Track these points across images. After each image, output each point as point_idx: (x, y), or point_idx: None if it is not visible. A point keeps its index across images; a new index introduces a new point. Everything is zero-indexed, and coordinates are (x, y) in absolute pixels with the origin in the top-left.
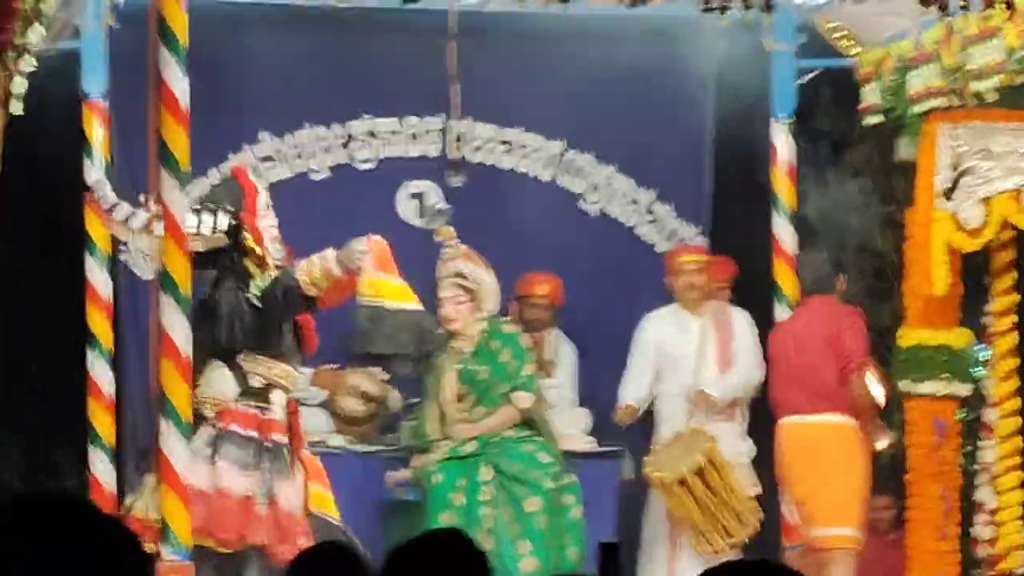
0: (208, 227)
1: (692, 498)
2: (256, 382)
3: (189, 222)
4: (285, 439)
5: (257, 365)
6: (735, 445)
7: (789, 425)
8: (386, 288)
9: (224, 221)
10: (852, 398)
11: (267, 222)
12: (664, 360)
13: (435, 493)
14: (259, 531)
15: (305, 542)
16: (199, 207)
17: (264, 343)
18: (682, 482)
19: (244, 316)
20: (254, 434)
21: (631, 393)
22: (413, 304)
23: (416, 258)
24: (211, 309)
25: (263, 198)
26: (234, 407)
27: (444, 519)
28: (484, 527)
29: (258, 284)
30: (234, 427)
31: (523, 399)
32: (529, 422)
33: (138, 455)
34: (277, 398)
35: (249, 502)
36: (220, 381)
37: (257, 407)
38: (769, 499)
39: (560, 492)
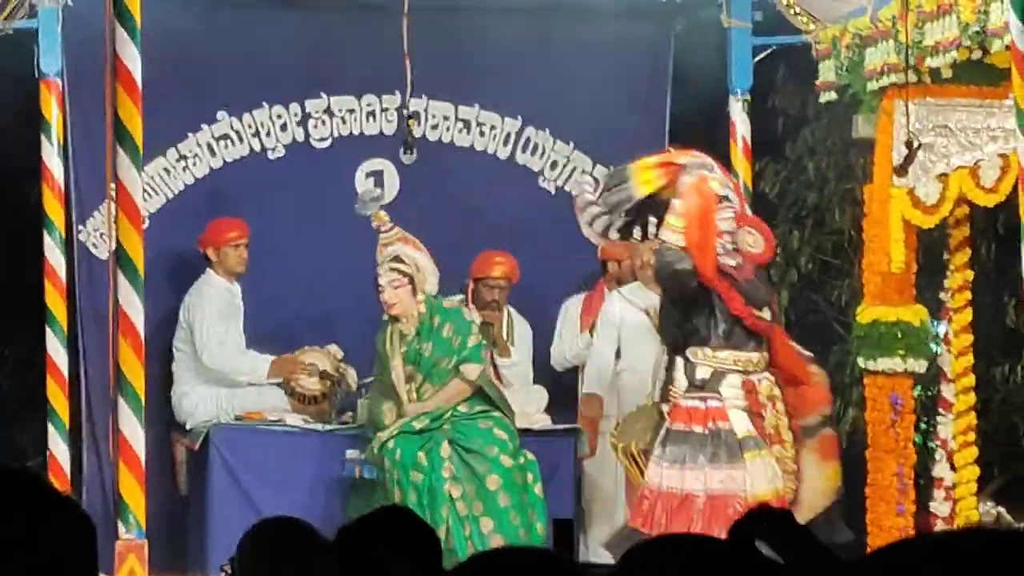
0: (644, 234)
1: None
2: (703, 372)
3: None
4: (730, 425)
5: (704, 356)
6: None
7: None
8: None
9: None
10: None
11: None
12: (628, 338)
13: (396, 469)
14: (698, 523)
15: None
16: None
17: (697, 335)
18: (647, 452)
19: (672, 315)
20: (696, 428)
21: (596, 383)
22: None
23: (371, 236)
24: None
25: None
26: (680, 403)
27: (407, 496)
28: (447, 504)
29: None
30: (678, 425)
31: (471, 370)
32: (483, 396)
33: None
34: (730, 382)
35: (689, 498)
36: (678, 377)
37: (700, 398)
38: None
39: (521, 470)
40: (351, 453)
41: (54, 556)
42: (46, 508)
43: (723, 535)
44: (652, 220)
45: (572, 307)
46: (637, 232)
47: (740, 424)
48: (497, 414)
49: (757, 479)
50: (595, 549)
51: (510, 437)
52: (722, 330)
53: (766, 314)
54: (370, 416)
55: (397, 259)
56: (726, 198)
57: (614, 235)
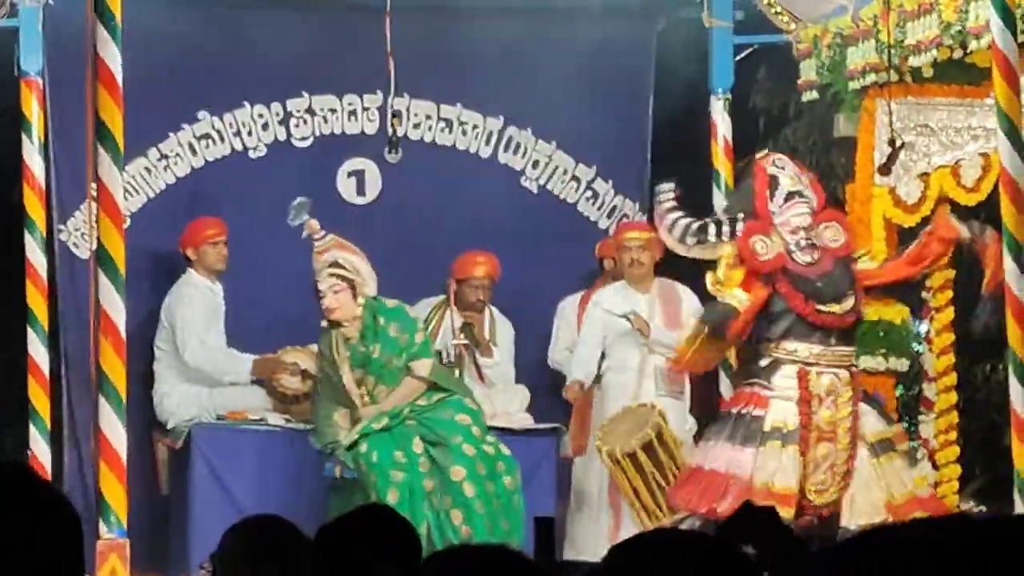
0: (718, 236)
1: (640, 473)
2: (764, 362)
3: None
4: (763, 412)
5: (765, 349)
6: (680, 422)
7: None
8: None
9: (731, 229)
10: None
11: (787, 215)
12: (613, 337)
13: (375, 472)
14: (695, 495)
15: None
16: (719, 219)
17: (760, 330)
18: (631, 456)
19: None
20: (732, 409)
21: (581, 370)
22: None
23: (353, 236)
24: None
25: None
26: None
27: (389, 496)
28: (427, 500)
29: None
30: (724, 409)
31: (421, 366)
32: (438, 388)
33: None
34: (785, 372)
35: (697, 471)
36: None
37: (749, 384)
38: None
39: (488, 459)
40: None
41: (54, 556)
42: (45, 508)
43: (709, 510)
44: (726, 224)
45: (568, 306)
46: (712, 234)
47: (777, 415)
48: (456, 397)
49: (767, 468)
50: (583, 547)
51: (473, 420)
52: (783, 327)
53: (846, 304)
54: (319, 426)
55: (336, 264)
56: (800, 194)
57: (690, 239)
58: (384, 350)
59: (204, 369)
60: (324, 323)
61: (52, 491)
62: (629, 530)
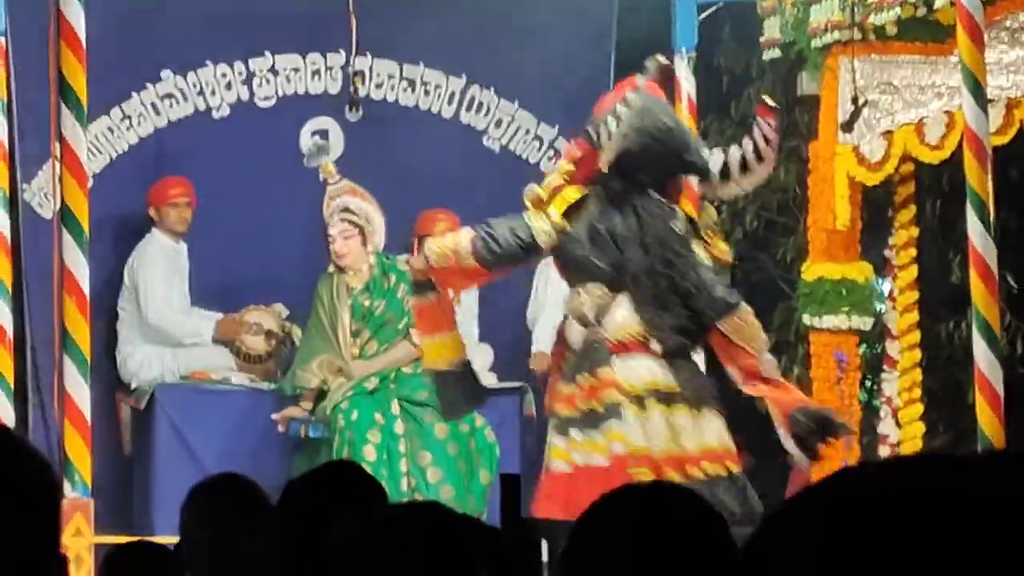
0: None
1: None
2: None
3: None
4: None
5: None
6: None
7: None
8: None
9: None
10: None
11: None
12: None
13: (353, 431)
14: None
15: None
16: None
17: None
18: None
19: None
20: None
21: (548, 342)
22: None
23: (314, 196)
24: None
25: None
26: None
27: (365, 455)
28: (402, 459)
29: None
30: None
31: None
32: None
33: None
34: None
35: None
36: None
37: None
38: None
39: (463, 437)
40: (284, 413)
41: (42, 550)
42: (36, 500)
43: None
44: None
45: (551, 265)
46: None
47: None
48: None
49: None
50: None
51: None
52: None
53: None
54: (294, 367)
55: (347, 210)
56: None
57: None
58: (388, 308)
59: (166, 328)
60: (330, 268)
61: (45, 480)
62: None
